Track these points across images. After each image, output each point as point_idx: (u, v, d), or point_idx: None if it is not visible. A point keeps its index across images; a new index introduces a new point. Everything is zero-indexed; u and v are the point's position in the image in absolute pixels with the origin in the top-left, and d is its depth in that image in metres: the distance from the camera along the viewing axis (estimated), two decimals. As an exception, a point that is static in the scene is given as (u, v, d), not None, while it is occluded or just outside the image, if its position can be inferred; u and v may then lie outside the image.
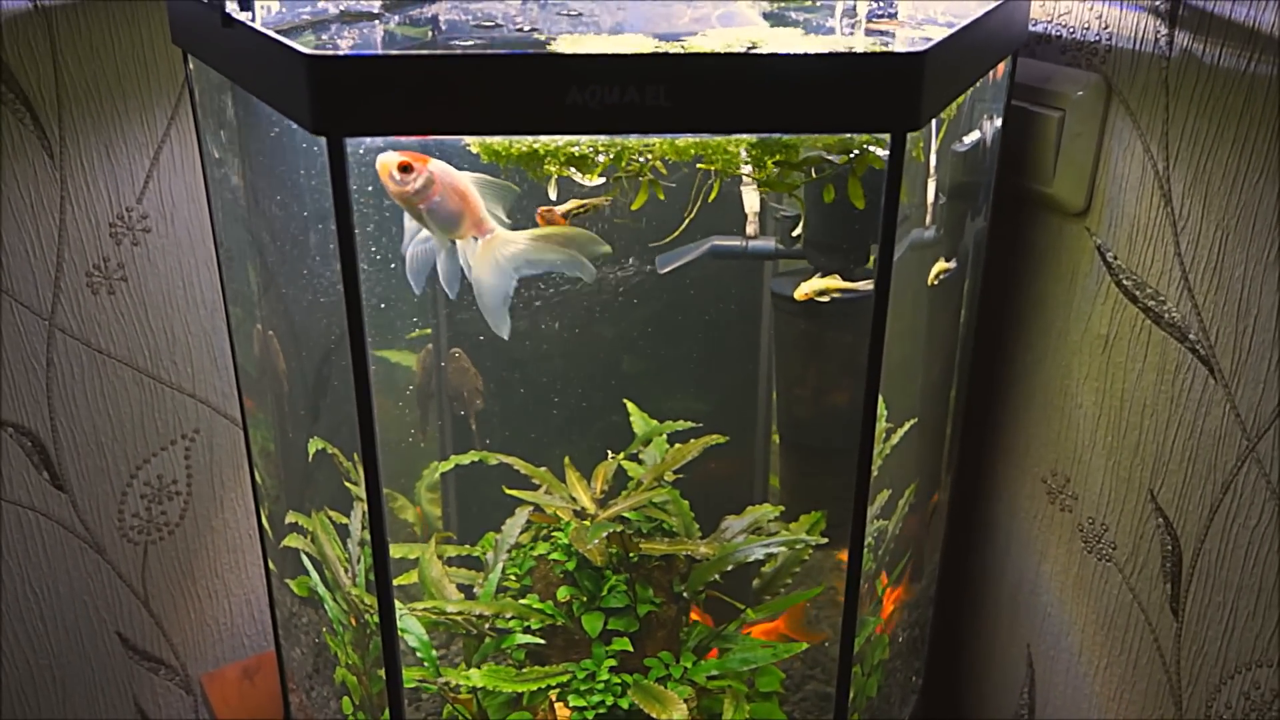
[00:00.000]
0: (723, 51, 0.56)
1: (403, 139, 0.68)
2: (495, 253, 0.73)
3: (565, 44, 0.72)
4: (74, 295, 1.00)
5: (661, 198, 0.76)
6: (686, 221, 0.79)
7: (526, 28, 0.89)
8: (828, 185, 0.73)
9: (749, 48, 0.78)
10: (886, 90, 0.57)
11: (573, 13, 0.91)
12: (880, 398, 0.70)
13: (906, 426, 0.88)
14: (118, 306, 1.02)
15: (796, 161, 0.71)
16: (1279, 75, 0.72)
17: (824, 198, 0.74)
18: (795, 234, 0.85)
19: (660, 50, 0.65)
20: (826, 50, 0.65)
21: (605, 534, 0.83)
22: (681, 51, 0.60)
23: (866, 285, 0.79)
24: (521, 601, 0.86)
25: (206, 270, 1.05)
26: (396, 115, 0.56)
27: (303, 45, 0.82)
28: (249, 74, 0.66)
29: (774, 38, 0.81)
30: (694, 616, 0.90)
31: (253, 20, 0.65)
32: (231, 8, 0.66)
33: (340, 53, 0.55)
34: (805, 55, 0.56)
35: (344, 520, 0.92)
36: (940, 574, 1.06)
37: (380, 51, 0.54)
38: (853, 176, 0.71)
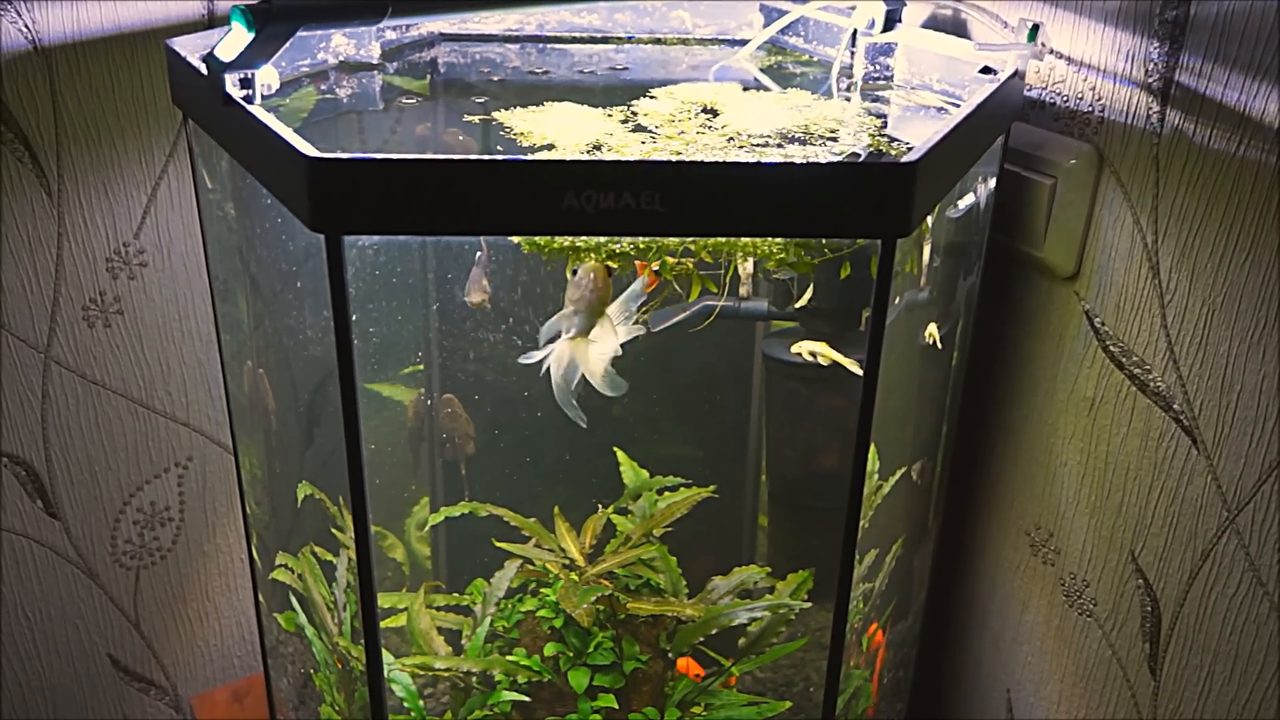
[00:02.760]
0: (716, 160, 0.56)
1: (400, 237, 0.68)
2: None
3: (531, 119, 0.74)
4: (70, 328, 1.00)
5: (713, 289, 0.78)
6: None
7: (538, 70, 0.89)
8: (845, 263, 0.75)
9: (702, 109, 0.79)
10: (877, 199, 0.58)
11: (584, 69, 0.92)
12: (871, 449, 0.72)
13: (894, 479, 0.89)
14: (113, 339, 1.03)
15: (831, 255, 0.74)
16: (1268, 161, 0.73)
17: (840, 274, 0.75)
18: (800, 304, 0.86)
19: (655, 158, 0.66)
20: (817, 160, 0.66)
21: (593, 598, 0.85)
22: (676, 159, 0.60)
23: (855, 366, 0.80)
24: (509, 658, 0.87)
25: (201, 303, 1.06)
26: (394, 216, 0.57)
27: (306, 100, 0.83)
28: (247, 155, 0.66)
29: (731, 102, 0.82)
30: (681, 668, 0.91)
31: (252, 100, 0.65)
32: (231, 81, 0.67)
33: (340, 156, 0.55)
34: (796, 164, 0.57)
35: (330, 558, 0.93)
36: (925, 616, 1.07)
37: (379, 155, 0.55)
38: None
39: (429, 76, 0.95)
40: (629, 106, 0.80)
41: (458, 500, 0.99)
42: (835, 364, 0.84)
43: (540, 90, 0.89)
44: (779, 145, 0.73)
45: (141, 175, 0.99)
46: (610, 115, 0.78)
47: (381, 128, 0.85)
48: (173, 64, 0.77)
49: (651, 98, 0.83)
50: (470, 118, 0.78)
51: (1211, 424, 0.80)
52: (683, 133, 0.75)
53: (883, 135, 0.78)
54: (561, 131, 0.73)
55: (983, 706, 1.09)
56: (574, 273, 0.72)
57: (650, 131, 0.74)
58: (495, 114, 0.78)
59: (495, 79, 0.92)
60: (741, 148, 0.73)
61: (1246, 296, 0.76)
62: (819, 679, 1.01)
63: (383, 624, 0.83)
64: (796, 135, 0.77)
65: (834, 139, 0.77)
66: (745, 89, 0.87)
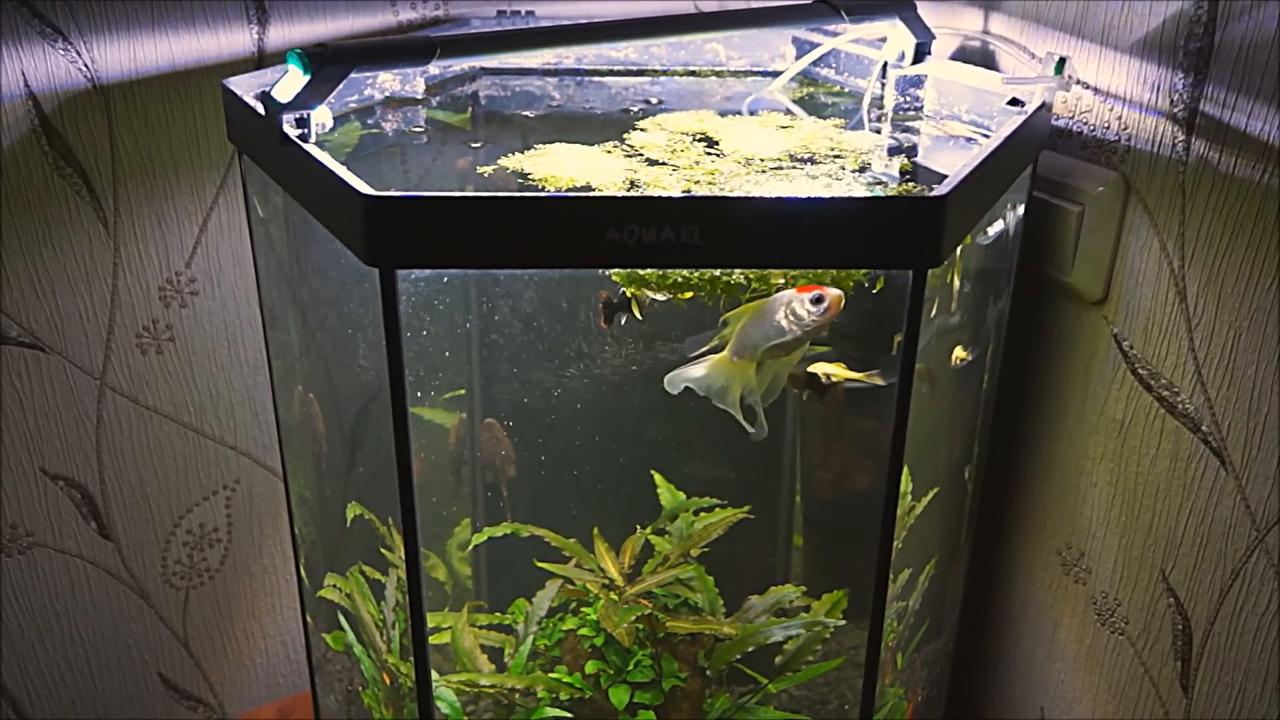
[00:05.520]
0: (752, 196, 0.59)
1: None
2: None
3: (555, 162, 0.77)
4: (124, 355, 1.04)
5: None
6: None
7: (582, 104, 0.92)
8: (880, 277, 0.77)
9: (694, 137, 0.82)
10: (908, 231, 0.60)
11: (633, 108, 0.94)
12: (905, 470, 0.74)
13: (926, 500, 0.91)
14: (165, 365, 1.06)
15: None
16: (1292, 188, 0.74)
17: (875, 286, 0.77)
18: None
19: (695, 194, 0.69)
20: (849, 195, 0.68)
21: (633, 617, 0.87)
22: (715, 194, 0.63)
23: (875, 379, 0.82)
24: (551, 675, 0.89)
25: (250, 329, 1.09)
26: (445, 251, 0.60)
27: (351, 135, 0.86)
28: (302, 192, 0.69)
29: (719, 128, 0.85)
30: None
31: (307, 139, 0.68)
32: (288, 121, 0.70)
33: (395, 194, 0.58)
34: (830, 199, 0.59)
35: (379, 577, 0.95)
36: (958, 635, 1.08)
37: (432, 193, 0.58)
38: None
39: (470, 110, 0.98)
40: (622, 141, 0.83)
41: (497, 522, 1.02)
42: (868, 387, 0.86)
43: (579, 123, 0.92)
44: (792, 166, 0.76)
45: (193, 207, 1.02)
46: (610, 151, 0.81)
47: (423, 161, 0.88)
48: (229, 103, 0.80)
49: (641, 130, 0.86)
50: (484, 169, 0.81)
51: (1239, 445, 0.82)
52: (697, 162, 0.78)
53: (876, 149, 0.81)
54: (561, 169, 0.76)
55: (1016, 725, 1.10)
56: (817, 301, 0.74)
57: (664, 164, 0.77)
58: (501, 160, 0.80)
59: (531, 114, 0.95)
60: (763, 172, 0.76)
61: (1273, 320, 0.77)
62: (854, 697, 1.02)
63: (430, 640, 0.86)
64: (803, 155, 0.80)
65: (838, 156, 0.80)
66: (722, 115, 0.90)
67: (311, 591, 1.02)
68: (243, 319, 1.09)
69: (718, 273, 0.72)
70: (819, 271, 0.72)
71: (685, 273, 0.72)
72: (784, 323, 0.76)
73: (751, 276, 0.74)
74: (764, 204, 0.59)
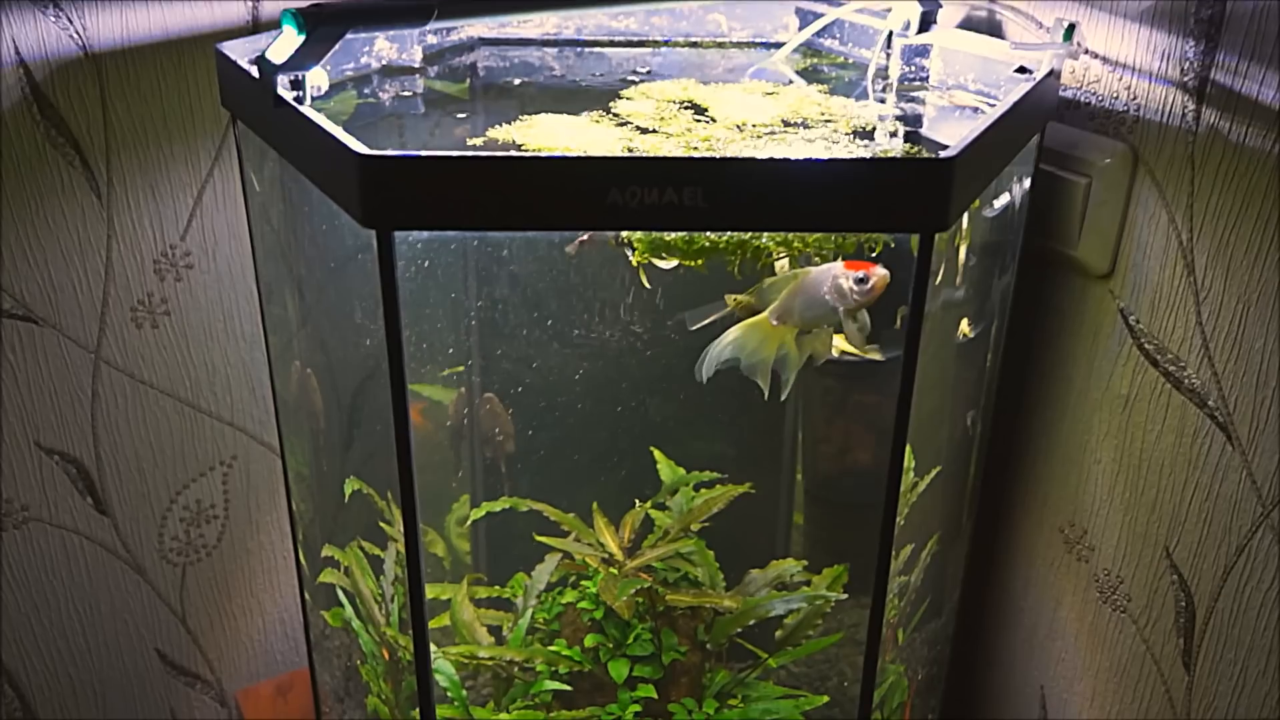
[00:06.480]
0: (758, 157, 0.57)
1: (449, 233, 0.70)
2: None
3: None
4: (119, 329, 1.03)
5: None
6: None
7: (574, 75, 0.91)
8: (880, 242, 0.76)
9: (681, 105, 0.81)
10: (916, 194, 0.59)
11: (634, 77, 0.93)
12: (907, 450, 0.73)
13: (929, 477, 0.90)
14: (160, 340, 1.05)
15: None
16: (1303, 158, 0.73)
17: (875, 249, 0.76)
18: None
19: (699, 155, 0.68)
20: (857, 156, 0.67)
21: (633, 590, 0.86)
22: (720, 156, 0.62)
23: (875, 354, 0.82)
24: (550, 648, 0.89)
25: (246, 303, 1.08)
26: (443, 211, 0.58)
27: (347, 103, 0.85)
28: (298, 155, 0.68)
29: (704, 96, 0.84)
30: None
31: (302, 101, 0.67)
32: (283, 83, 0.69)
33: (390, 154, 0.57)
34: (837, 160, 0.58)
35: (378, 553, 0.95)
36: (958, 613, 1.08)
37: (429, 152, 0.56)
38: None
39: (468, 80, 0.97)
40: (609, 110, 0.82)
41: (496, 497, 1.01)
42: (869, 361, 0.85)
43: (579, 94, 0.90)
44: (785, 131, 0.75)
45: (188, 178, 1.01)
46: (598, 120, 0.79)
47: (420, 130, 0.87)
48: (222, 68, 0.79)
49: (628, 99, 0.85)
50: (474, 140, 0.79)
51: (1246, 420, 0.81)
52: (689, 129, 0.77)
53: (865, 113, 0.80)
54: (554, 139, 0.75)
55: (1016, 703, 1.10)
56: (861, 280, 0.74)
57: (656, 132, 0.76)
58: (490, 131, 0.79)
59: (520, 81, 0.94)
60: (758, 137, 0.74)
61: (1282, 292, 0.77)
62: (854, 675, 1.02)
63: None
64: (795, 120, 0.78)
65: (829, 121, 0.79)
66: (705, 83, 0.89)
67: (309, 568, 1.02)
68: (238, 293, 1.08)
69: (746, 236, 0.71)
70: (837, 237, 0.71)
71: (712, 236, 0.71)
72: (828, 296, 0.75)
73: (778, 241, 0.73)
74: (770, 165, 0.58)
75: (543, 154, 0.57)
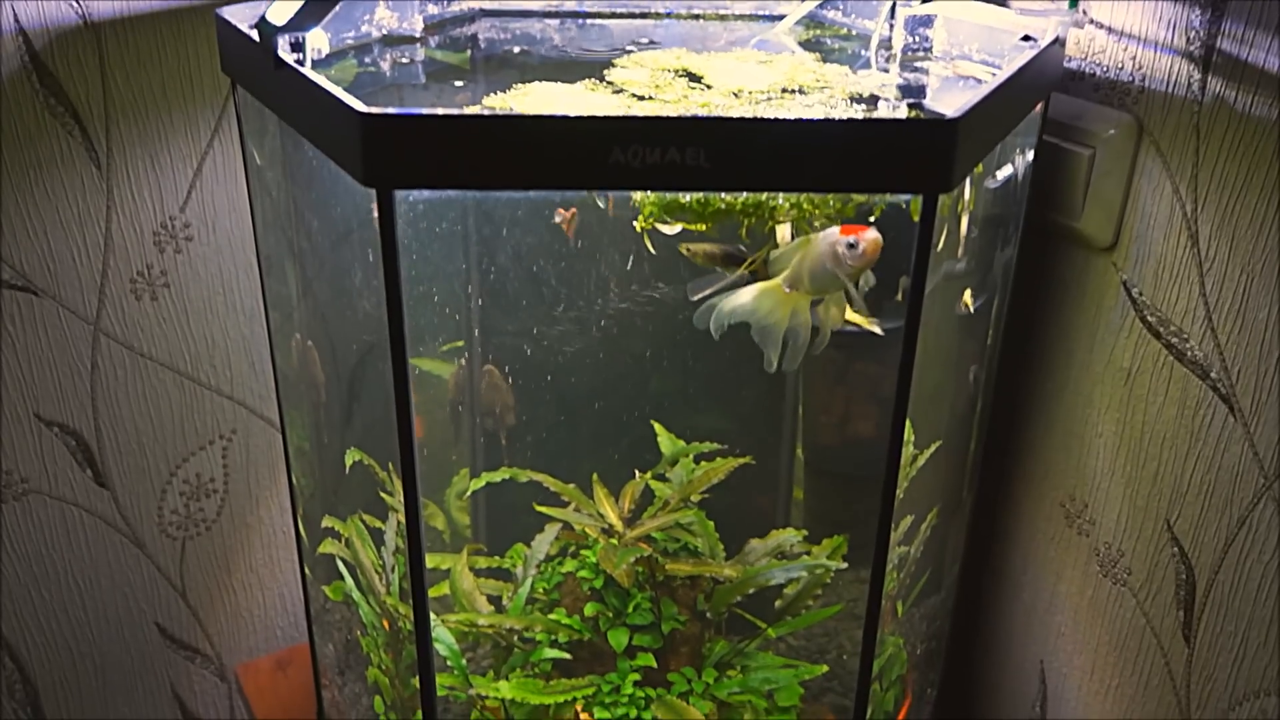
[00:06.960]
0: (761, 117, 0.57)
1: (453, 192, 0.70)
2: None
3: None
4: (118, 301, 1.03)
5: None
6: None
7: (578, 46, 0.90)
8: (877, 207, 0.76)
9: (679, 73, 0.81)
10: (919, 154, 0.59)
11: (635, 48, 0.93)
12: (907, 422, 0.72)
13: (930, 451, 0.90)
14: (160, 312, 1.05)
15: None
16: (1308, 127, 0.73)
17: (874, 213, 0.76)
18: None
19: (703, 114, 0.67)
20: (862, 116, 0.67)
21: (633, 558, 0.86)
22: (724, 115, 0.61)
23: (874, 326, 0.81)
24: (550, 616, 0.89)
25: (246, 277, 1.08)
26: (445, 170, 0.58)
27: (347, 72, 0.84)
28: (298, 116, 0.68)
29: (698, 64, 0.84)
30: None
31: (303, 63, 0.67)
32: (283, 44, 0.68)
33: (391, 111, 0.57)
34: (841, 120, 0.58)
35: (378, 525, 0.94)
36: (958, 587, 1.08)
37: (430, 110, 0.56)
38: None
39: (469, 50, 0.97)
40: (603, 79, 0.81)
41: (496, 468, 1.01)
42: (870, 333, 0.85)
43: (580, 65, 0.90)
44: (783, 97, 0.75)
45: (188, 149, 1.01)
46: (593, 88, 0.79)
47: (420, 98, 0.86)
48: (222, 32, 0.79)
49: (622, 67, 0.84)
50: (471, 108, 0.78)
51: (1249, 391, 0.81)
52: (686, 95, 0.76)
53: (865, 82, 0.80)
54: (552, 107, 0.74)
55: (1016, 676, 1.10)
56: (851, 245, 0.73)
57: (652, 99, 0.75)
58: (486, 99, 0.79)
59: (521, 51, 0.93)
60: (756, 103, 0.74)
61: (1287, 262, 0.76)
62: (853, 648, 1.02)
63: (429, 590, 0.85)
64: (791, 87, 0.78)
65: (824, 88, 0.79)
66: (697, 53, 0.88)
67: (309, 542, 1.02)
68: (238, 266, 1.07)
69: (764, 196, 0.71)
70: (825, 197, 0.71)
71: (729, 197, 0.70)
72: (827, 263, 0.75)
73: (792, 201, 0.72)
74: (774, 125, 0.58)
75: (546, 113, 0.57)
